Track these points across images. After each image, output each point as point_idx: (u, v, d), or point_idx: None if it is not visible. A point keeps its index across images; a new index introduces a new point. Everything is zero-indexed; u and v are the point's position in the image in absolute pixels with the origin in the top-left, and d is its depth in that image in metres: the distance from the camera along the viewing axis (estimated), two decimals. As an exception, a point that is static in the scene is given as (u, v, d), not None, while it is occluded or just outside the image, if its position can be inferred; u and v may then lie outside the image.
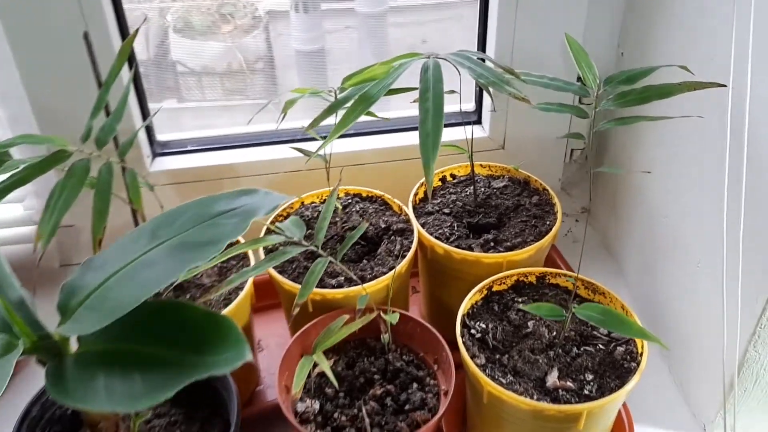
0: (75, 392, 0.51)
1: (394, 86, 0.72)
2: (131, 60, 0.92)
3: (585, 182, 1.13)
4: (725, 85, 0.61)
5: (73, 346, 0.56)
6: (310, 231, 0.88)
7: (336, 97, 0.75)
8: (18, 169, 0.65)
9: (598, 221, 1.13)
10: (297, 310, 0.66)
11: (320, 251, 0.69)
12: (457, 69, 0.71)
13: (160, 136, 1.01)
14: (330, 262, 0.69)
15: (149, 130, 0.98)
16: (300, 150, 0.81)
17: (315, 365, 0.70)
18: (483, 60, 0.69)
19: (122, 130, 0.89)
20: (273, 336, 0.98)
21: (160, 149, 1.00)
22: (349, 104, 0.70)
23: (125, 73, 0.88)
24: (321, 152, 0.83)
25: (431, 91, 0.66)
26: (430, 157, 0.63)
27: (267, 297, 0.95)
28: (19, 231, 1.01)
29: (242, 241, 0.85)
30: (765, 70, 0.66)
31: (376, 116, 0.79)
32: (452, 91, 0.81)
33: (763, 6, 0.65)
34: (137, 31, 0.68)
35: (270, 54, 2.28)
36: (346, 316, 0.71)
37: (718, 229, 0.76)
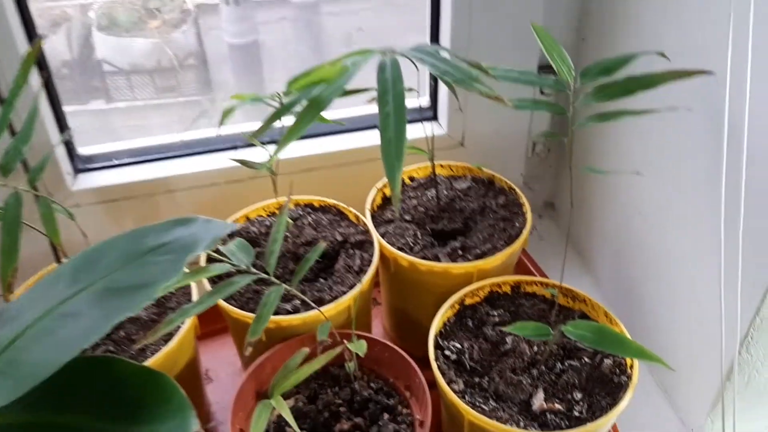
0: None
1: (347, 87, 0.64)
2: (43, 68, 0.81)
3: (547, 176, 1.07)
4: (713, 73, 0.55)
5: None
6: (258, 250, 0.79)
7: (281, 102, 0.66)
8: None
9: (563, 217, 1.08)
10: (249, 349, 0.57)
11: (273, 279, 0.60)
12: (415, 65, 0.63)
13: (83, 150, 0.90)
14: (296, 292, 0.61)
15: (69, 145, 0.87)
16: (243, 162, 0.72)
17: (273, 408, 0.62)
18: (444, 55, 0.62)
19: (36, 146, 0.79)
20: (222, 364, 0.89)
21: (82, 164, 0.89)
22: (296, 109, 0.61)
23: (36, 83, 0.77)
24: (261, 153, 0.75)
25: (391, 93, 0.58)
26: (395, 166, 0.55)
27: (213, 321, 0.85)
28: None
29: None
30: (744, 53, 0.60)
31: (328, 121, 0.70)
32: (410, 89, 0.74)
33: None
34: (40, 39, 0.58)
35: (201, 49, 2.17)
36: (306, 350, 0.63)
37: (701, 226, 0.71)
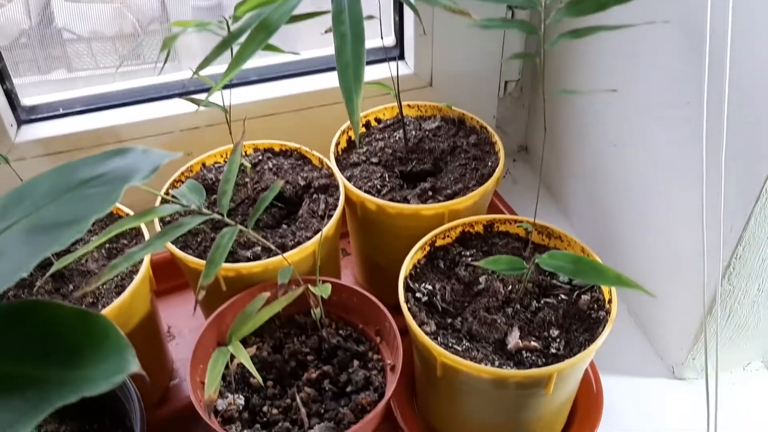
0: None
1: (300, 12, 0.59)
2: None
3: (521, 118, 1.03)
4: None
5: None
6: (215, 197, 0.75)
7: (229, 29, 0.61)
8: None
9: (537, 159, 1.04)
10: (202, 293, 0.53)
11: (226, 219, 0.56)
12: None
13: (26, 101, 0.84)
14: (240, 231, 0.56)
15: (10, 95, 0.81)
16: (191, 99, 0.67)
17: (233, 356, 0.58)
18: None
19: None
20: (185, 320, 0.85)
21: (26, 116, 0.83)
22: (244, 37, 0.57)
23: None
24: (218, 100, 0.70)
25: (346, 12, 0.53)
26: (352, 90, 0.51)
27: (173, 277, 0.82)
28: None
29: (130, 214, 0.71)
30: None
31: (282, 51, 0.65)
32: (370, 17, 0.69)
33: None
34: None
35: (164, 14, 2.09)
36: (266, 294, 0.59)
37: (680, 154, 0.68)
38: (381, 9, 0.71)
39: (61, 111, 0.85)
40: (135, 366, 0.37)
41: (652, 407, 0.74)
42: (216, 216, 0.56)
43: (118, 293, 0.64)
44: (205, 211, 0.56)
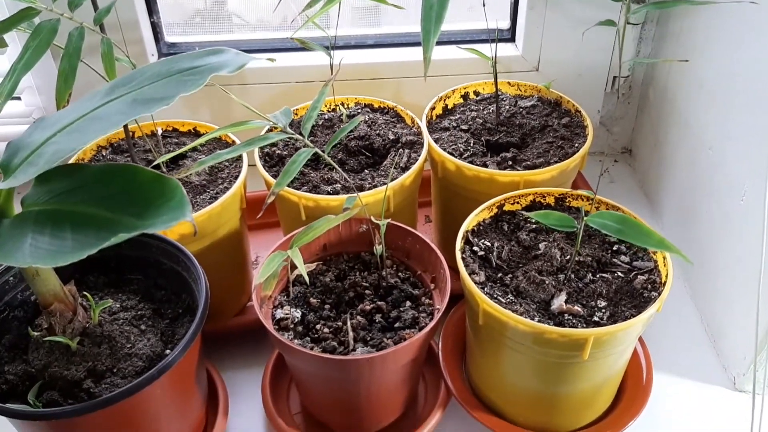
0: (2, 249, 0.46)
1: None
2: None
3: (627, 118, 1.02)
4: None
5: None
6: (313, 138, 0.81)
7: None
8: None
9: (639, 162, 1.02)
10: (272, 198, 0.59)
11: (306, 141, 0.61)
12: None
13: (169, 38, 0.96)
14: (327, 167, 0.62)
15: (156, 28, 0.92)
16: (299, 40, 0.73)
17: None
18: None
19: (126, 24, 0.85)
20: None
21: (167, 50, 0.94)
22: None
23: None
24: (327, 60, 0.76)
25: (440, -41, 0.57)
26: (431, 31, 0.55)
27: (267, 215, 0.88)
28: (18, 129, 0.97)
29: (237, 142, 0.78)
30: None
31: (387, 2, 0.70)
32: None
33: None
34: None
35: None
36: (332, 216, 0.64)
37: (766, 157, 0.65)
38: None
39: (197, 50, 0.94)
40: (188, 215, 0.43)
41: (702, 413, 0.72)
42: (297, 136, 0.62)
43: (212, 203, 0.72)
44: (289, 130, 0.62)
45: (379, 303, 0.69)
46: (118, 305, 0.66)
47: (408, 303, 0.69)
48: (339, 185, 0.74)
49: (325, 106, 0.87)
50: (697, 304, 0.82)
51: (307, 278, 0.62)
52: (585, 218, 0.56)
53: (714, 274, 0.78)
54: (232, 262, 0.81)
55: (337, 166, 0.65)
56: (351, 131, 0.82)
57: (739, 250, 0.72)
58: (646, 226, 0.54)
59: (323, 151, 0.63)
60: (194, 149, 0.80)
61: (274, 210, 0.80)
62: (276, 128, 0.61)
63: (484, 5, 0.74)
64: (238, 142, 0.78)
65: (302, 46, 0.87)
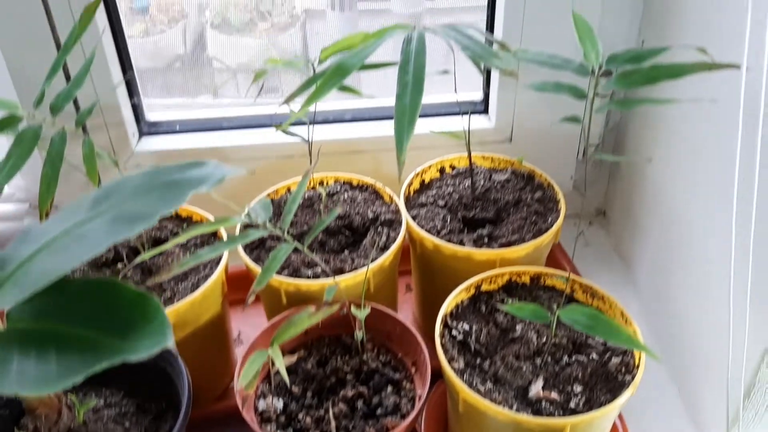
0: (-13, 374, 0.47)
1: (378, 60, 0.66)
2: (114, 24, 0.87)
3: (601, 182, 1.05)
4: (739, 66, 0.53)
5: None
6: (293, 218, 0.82)
7: (314, 69, 0.69)
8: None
9: (613, 224, 1.05)
10: (252, 297, 0.60)
11: (285, 236, 0.63)
12: (450, 45, 0.64)
13: (150, 116, 0.97)
14: (304, 251, 0.63)
15: (137, 109, 0.94)
16: (278, 127, 0.75)
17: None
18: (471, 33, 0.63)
19: (108, 109, 0.86)
20: (254, 329, 0.91)
21: (147, 129, 0.96)
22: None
23: (107, 41, 0.84)
24: (307, 137, 0.78)
25: (412, 63, 0.60)
26: (404, 135, 0.57)
27: (249, 288, 0.90)
28: (1, 208, 0.98)
29: (211, 219, 0.80)
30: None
31: (359, 93, 0.73)
32: (445, 71, 0.75)
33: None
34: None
35: (305, 52, 2.25)
36: (312, 308, 0.65)
37: (729, 234, 0.68)
38: (470, 68, 0.76)
39: (178, 128, 0.96)
40: (169, 343, 0.44)
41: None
42: (276, 232, 0.63)
43: (193, 291, 0.72)
44: (268, 226, 0.64)
45: (361, 389, 0.69)
46: (102, 402, 0.66)
47: (389, 388, 0.70)
48: (320, 268, 0.75)
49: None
50: (672, 375, 0.84)
51: (287, 380, 0.62)
52: (557, 312, 0.58)
53: (689, 343, 0.80)
54: (214, 344, 0.82)
55: (316, 258, 0.66)
56: (331, 210, 0.84)
57: (711, 320, 0.74)
58: (615, 323, 0.55)
59: (302, 243, 0.65)
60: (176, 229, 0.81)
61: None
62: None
63: (455, 77, 0.76)
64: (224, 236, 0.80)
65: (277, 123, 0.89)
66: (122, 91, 0.90)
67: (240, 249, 0.77)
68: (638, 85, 0.57)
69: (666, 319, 0.85)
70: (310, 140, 0.77)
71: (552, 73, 0.68)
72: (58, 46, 0.63)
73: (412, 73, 0.59)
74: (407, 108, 0.58)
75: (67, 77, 0.66)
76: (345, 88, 0.72)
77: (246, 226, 0.64)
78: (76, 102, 0.67)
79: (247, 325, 0.93)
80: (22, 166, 0.59)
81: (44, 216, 0.60)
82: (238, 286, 0.82)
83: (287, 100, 0.67)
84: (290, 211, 0.65)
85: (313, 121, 0.74)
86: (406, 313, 0.94)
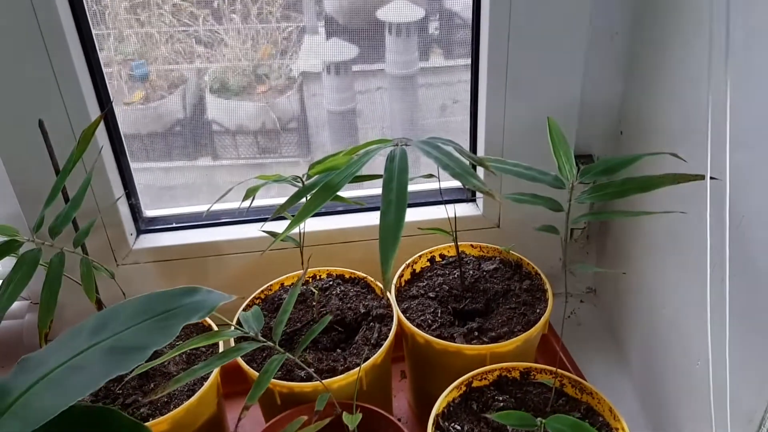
0: None
1: (366, 172, 0.69)
2: (113, 134, 0.91)
3: (589, 261, 1.07)
4: (703, 177, 0.56)
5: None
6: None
7: (302, 182, 0.72)
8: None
9: (603, 303, 1.07)
10: (246, 413, 0.62)
11: (277, 348, 0.65)
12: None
13: (147, 212, 1.00)
14: (298, 361, 0.65)
15: (134, 208, 0.97)
16: (269, 233, 0.78)
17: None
18: (454, 147, 0.66)
19: (104, 210, 0.89)
20: (252, 423, 0.93)
21: (145, 226, 0.99)
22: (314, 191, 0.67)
23: (103, 149, 0.87)
24: (293, 233, 0.80)
25: (395, 182, 0.62)
26: (389, 252, 0.59)
27: (244, 382, 0.91)
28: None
29: (214, 328, 0.81)
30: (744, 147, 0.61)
31: (347, 201, 0.76)
32: (430, 175, 0.78)
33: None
34: (100, 117, 0.67)
35: (303, 114, 2.30)
36: (304, 418, 0.66)
37: (715, 327, 0.70)
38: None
39: (174, 224, 0.99)
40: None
41: None
42: (268, 344, 0.65)
43: (189, 396, 0.74)
44: (260, 338, 0.66)
45: (357, 491, 0.70)
46: None
47: (385, 490, 0.70)
48: (313, 369, 0.77)
49: (298, 278, 0.91)
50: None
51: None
52: (544, 422, 0.59)
53: (682, 422, 0.80)
54: (211, 442, 0.82)
55: (307, 369, 0.68)
56: (323, 305, 0.86)
57: (699, 396, 0.75)
58: (599, 433, 0.57)
59: (294, 342, 0.66)
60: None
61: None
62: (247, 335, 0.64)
63: (438, 175, 0.79)
64: (213, 327, 0.82)
65: (273, 217, 0.92)
66: (119, 191, 0.93)
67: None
68: (610, 198, 0.60)
69: (658, 397, 0.86)
70: (302, 244, 0.79)
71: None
72: (57, 170, 0.66)
73: (395, 191, 0.61)
74: (392, 226, 0.60)
75: (66, 197, 0.69)
76: (337, 198, 0.75)
77: (240, 339, 0.66)
78: (75, 223, 0.70)
79: (244, 419, 0.94)
80: (22, 290, 0.61)
81: (43, 339, 0.62)
82: (232, 380, 0.83)
83: (276, 214, 0.70)
84: (282, 322, 0.67)
85: (304, 229, 0.77)
86: (401, 401, 0.95)
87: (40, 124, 0.64)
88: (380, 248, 0.60)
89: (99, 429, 0.51)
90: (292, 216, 0.63)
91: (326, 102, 2.33)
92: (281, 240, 0.76)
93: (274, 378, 0.74)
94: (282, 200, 0.85)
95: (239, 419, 0.62)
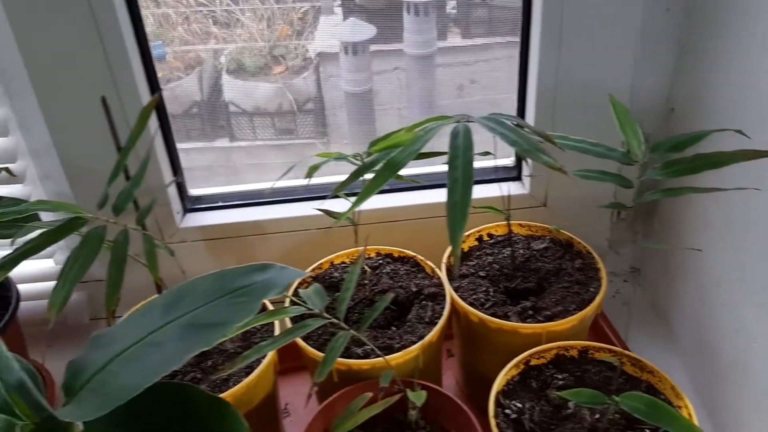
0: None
1: (423, 150, 0.69)
2: (162, 114, 0.91)
3: (636, 240, 1.06)
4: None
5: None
6: (338, 294, 0.84)
7: (362, 161, 0.71)
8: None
9: (648, 282, 1.06)
10: (315, 388, 0.62)
11: (342, 324, 0.65)
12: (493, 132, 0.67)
13: (193, 191, 1.00)
14: (363, 338, 0.65)
15: (180, 186, 0.97)
16: (326, 212, 0.78)
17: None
18: (518, 124, 0.65)
19: (153, 188, 0.89)
20: (301, 399, 0.94)
21: (191, 204, 0.99)
22: (375, 168, 0.67)
23: (154, 132, 0.87)
24: (347, 215, 0.80)
25: (460, 159, 0.62)
26: (457, 228, 0.59)
27: (294, 358, 0.91)
28: (49, 285, 1.00)
29: (269, 307, 0.82)
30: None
31: (405, 179, 0.75)
32: (487, 153, 0.77)
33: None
34: (157, 97, 0.67)
35: (320, 95, 2.30)
36: (368, 395, 0.67)
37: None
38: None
39: (220, 203, 0.99)
40: (252, 454, 0.46)
41: None
42: (334, 320, 0.65)
43: (247, 374, 0.74)
44: (326, 315, 0.66)
45: (416, 467, 0.71)
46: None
47: (444, 467, 0.71)
48: (369, 347, 0.77)
49: (348, 257, 0.91)
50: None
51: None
52: (617, 399, 0.59)
53: (736, 414, 0.80)
54: (265, 420, 0.83)
55: (370, 344, 0.68)
56: (374, 284, 0.86)
57: (756, 386, 0.74)
58: (674, 411, 0.57)
59: (350, 318, 0.66)
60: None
61: (301, 354, 0.82)
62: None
63: (493, 154, 0.79)
64: (268, 305, 0.82)
65: (323, 196, 0.92)
66: (167, 171, 0.93)
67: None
68: (682, 175, 0.59)
69: (709, 376, 0.86)
70: (357, 218, 0.79)
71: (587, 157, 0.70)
72: (118, 147, 0.66)
73: (461, 169, 0.61)
74: (458, 203, 0.60)
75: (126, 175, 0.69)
76: (397, 177, 0.74)
77: (304, 316, 0.66)
78: (136, 203, 0.70)
79: (293, 395, 0.94)
80: (89, 267, 0.62)
81: (111, 315, 0.62)
82: (285, 355, 0.83)
83: (336, 192, 0.70)
84: (345, 299, 0.67)
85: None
86: (448, 379, 0.96)
87: (103, 101, 0.64)
88: (448, 226, 0.59)
89: (180, 404, 0.51)
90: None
91: (344, 83, 2.32)
92: (336, 218, 0.76)
93: (330, 356, 0.75)
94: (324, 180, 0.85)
95: (309, 395, 0.63)
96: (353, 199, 0.61)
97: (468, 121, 0.65)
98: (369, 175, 0.66)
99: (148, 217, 0.71)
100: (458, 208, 0.59)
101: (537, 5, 0.85)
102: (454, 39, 2.38)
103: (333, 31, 1.90)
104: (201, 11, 1.59)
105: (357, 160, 0.72)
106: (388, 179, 0.64)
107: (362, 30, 1.74)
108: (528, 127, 0.65)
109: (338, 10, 1.82)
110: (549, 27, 0.84)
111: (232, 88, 2.27)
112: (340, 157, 0.72)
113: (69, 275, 0.61)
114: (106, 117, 0.64)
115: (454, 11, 2.05)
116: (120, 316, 0.70)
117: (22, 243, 0.63)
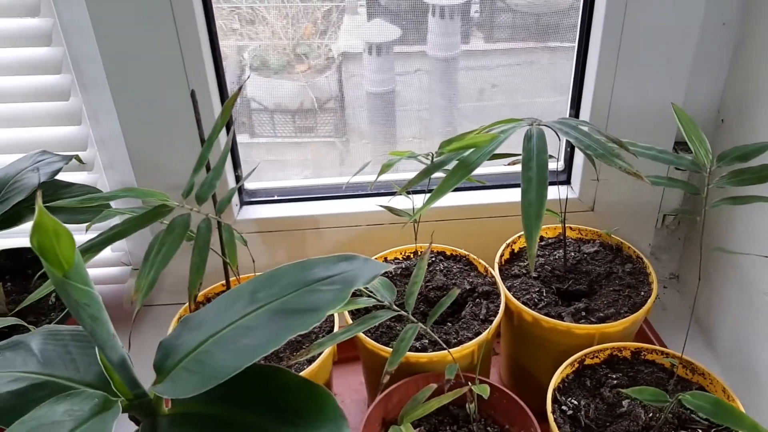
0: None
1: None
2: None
3: (675, 248, 1.08)
4: None
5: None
6: (397, 290, 0.87)
7: (432, 160, 0.74)
8: (117, 221, 0.66)
9: (687, 288, 1.08)
10: (387, 378, 0.64)
11: (411, 318, 0.67)
12: (558, 136, 0.69)
13: (249, 185, 1.03)
14: (430, 332, 0.68)
15: (238, 180, 1.00)
16: (391, 210, 0.80)
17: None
18: (585, 128, 0.68)
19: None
20: (349, 391, 0.96)
21: (247, 198, 1.02)
22: (446, 168, 0.69)
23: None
24: (407, 209, 0.82)
25: (534, 161, 0.64)
26: (533, 227, 0.61)
27: (344, 350, 0.94)
28: (106, 271, 1.03)
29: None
30: None
31: (473, 180, 0.77)
32: (550, 156, 0.80)
33: None
34: (240, 89, 0.70)
35: (341, 94, 2.33)
36: (434, 386, 0.69)
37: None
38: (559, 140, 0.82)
39: (275, 197, 1.02)
40: (346, 433, 0.48)
41: None
42: (403, 313, 0.68)
43: (309, 362, 0.77)
44: (395, 307, 0.68)
45: (472, 459, 0.73)
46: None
47: (500, 458, 0.73)
48: (426, 340, 0.79)
49: (400, 253, 0.93)
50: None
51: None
52: (681, 397, 0.61)
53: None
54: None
55: (435, 336, 0.70)
56: (429, 280, 0.88)
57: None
58: (738, 410, 0.59)
59: (425, 324, 0.69)
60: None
61: (351, 345, 0.84)
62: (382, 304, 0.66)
63: (555, 158, 0.81)
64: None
65: (371, 192, 0.94)
66: (228, 166, 0.96)
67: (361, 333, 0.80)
68: (750, 184, 0.61)
69: (750, 381, 0.88)
70: (418, 219, 0.82)
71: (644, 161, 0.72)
72: (202, 139, 0.69)
73: (535, 170, 0.63)
74: (533, 203, 0.62)
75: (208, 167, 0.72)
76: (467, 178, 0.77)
77: (373, 308, 0.69)
78: (214, 196, 0.72)
79: (342, 386, 0.97)
80: (174, 253, 0.64)
81: (192, 300, 0.65)
82: (339, 346, 0.86)
83: (404, 189, 0.72)
84: (413, 293, 0.70)
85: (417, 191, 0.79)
86: (493, 375, 0.98)
87: (192, 94, 0.67)
88: (524, 225, 0.62)
89: (272, 386, 0.53)
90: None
91: (366, 83, 2.34)
92: (402, 215, 0.78)
93: (389, 347, 0.77)
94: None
95: (380, 385, 0.65)
96: (413, 196, 0.64)
97: (540, 125, 0.67)
98: (438, 175, 0.69)
99: (209, 209, 0.73)
100: (533, 207, 0.62)
101: (599, 13, 0.87)
102: (477, 43, 2.40)
103: (357, 31, 1.93)
104: (224, 8, 1.61)
105: (427, 159, 0.74)
106: (463, 179, 0.66)
107: (387, 31, 1.77)
108: (602, 133, 0.67)
109: (362, 11, 1.85)
110: (609, 35, 0.86)
111: (255, 86, 2.30)
112: (412, 156, 0.74)
113: (155, 261, 0.64)
114: (193, 110, 0.67)
115: (477, 14, 2.06)
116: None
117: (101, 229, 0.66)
